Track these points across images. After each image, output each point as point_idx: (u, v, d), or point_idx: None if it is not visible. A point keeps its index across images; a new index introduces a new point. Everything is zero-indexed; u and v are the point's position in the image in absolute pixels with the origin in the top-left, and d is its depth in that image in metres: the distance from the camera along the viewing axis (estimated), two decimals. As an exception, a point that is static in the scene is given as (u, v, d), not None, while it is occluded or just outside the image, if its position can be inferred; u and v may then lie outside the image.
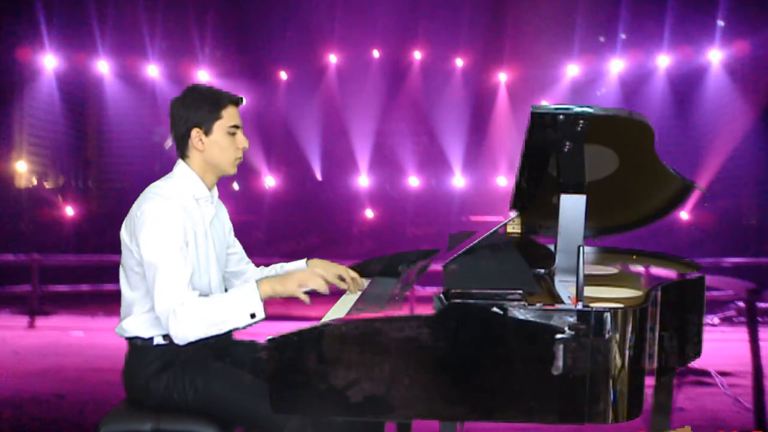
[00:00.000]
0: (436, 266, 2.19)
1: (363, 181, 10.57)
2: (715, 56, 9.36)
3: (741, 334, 4.34)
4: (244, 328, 1.97)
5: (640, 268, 2.81)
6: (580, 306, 1.72)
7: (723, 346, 5.33)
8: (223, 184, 2.24)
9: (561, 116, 1.94)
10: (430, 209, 10.22)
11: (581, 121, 1.96)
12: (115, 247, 2.11)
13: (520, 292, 1.75)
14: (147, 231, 1.98)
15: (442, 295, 1.82)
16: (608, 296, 2.03)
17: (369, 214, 10.25)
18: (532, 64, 10.18)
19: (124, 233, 2.08)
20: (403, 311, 2.04)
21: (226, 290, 2.30)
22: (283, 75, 10.85)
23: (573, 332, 1.70)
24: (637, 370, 1.77)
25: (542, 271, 2.26)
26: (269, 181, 10.67)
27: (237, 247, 2.42)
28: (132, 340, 2.10)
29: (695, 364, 2.60)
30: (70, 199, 10.33)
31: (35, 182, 10.54)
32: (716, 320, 6.90)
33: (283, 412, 1.78)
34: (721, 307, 7.07)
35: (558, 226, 2.09)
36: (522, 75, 10.48)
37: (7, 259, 7.50)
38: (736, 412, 3.98)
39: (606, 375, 1.71)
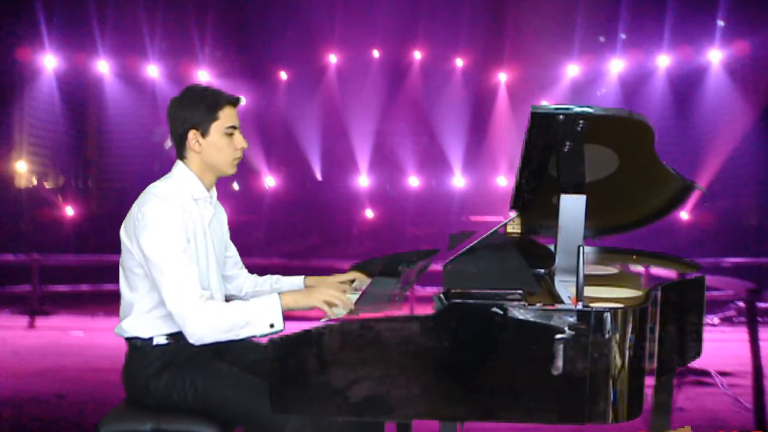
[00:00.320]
0: (436, 266, 2.19)
1: (363, 181, 10.56)
2: (715, 56, 9.35)
3: (741, 334, 4.34)
4: (260, 337, 1.98)
5: (640, 268, 2.81)
6: (580, 306, 1.72)
7: (723, 346, 5.33)
8: (222, 184, 2.24)
9: (561, 116, 1.94)
10: (430, 209, 10.22)
11: (581, 121, 1.96)
12: (115, 247, 2.11)
13: (520, 292, 1.76)
14: (149, 233, 1.98)
15: (442, 295, 1.83)
16: (608, 296, 2.03)
17: (369, 214, 10.25)
18: (532, 64, 10.18)
19: (123, 234, 2.07)
20: (403, 311, 2.04)
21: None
22: (283, 75, 10.85)
23: (573, 332, 1.70)
24: (637, 370, 1.77)
25: (542, 271, 2.27)
26: (269, 181, 10.67)
27: (233, 251, 2.42)
28: (131, 341, 2.10)
29: (695, 364, 2.60)
30: (70, 199, 10.32)
31: (35, 182, 10.54)
32: (716, 320, 6.90)
33: (283, 412, 1.78)
34: (721, 307, 7.07)
35: (558, 226, 2.09)
36: (522, 75, 10.48)
37: (7, 259, 7.50)
38: (736, 412, 3.98)
39: (606, 375, 1.71)
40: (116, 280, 2.13)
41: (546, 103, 9.18)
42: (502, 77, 10.67)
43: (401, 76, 10.76)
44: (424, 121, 10.71)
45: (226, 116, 2.11)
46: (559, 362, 1.70)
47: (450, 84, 10.67)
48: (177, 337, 2.05)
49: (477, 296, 1.74)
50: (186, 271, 1.96)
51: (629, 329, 1.74)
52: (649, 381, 1.90)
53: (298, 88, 10.64)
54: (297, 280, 2.47)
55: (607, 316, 1.71)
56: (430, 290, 6.17)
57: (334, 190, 10.60)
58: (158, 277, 1.98)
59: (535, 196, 2.46)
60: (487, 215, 9.19)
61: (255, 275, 2.50)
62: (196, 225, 2.10)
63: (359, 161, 10.54)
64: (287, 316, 2.01)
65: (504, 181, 10.26)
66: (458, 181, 10.52)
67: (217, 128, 2.10)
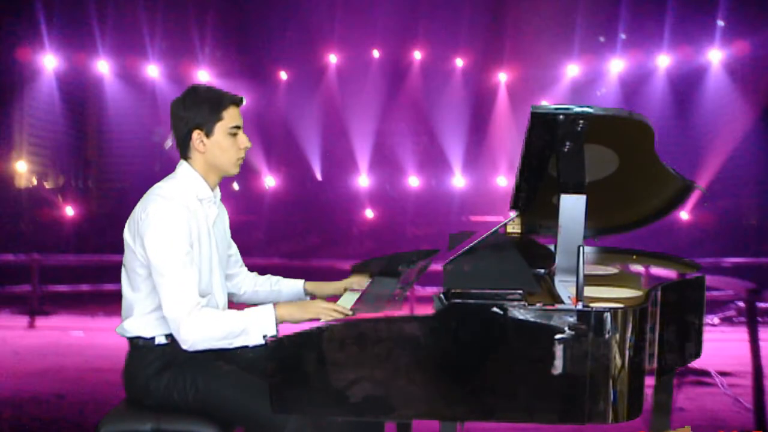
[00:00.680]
0: (436, 266, 2.19)
1: (363, 181, 10.56)
2: (715, 56, 9.35)
3: (741, 334, 4.34)
4: (253, 347, 1.98)
5: (640, 268, 2.81)
6: (580, 306, 1.72)
7: (723, 346, 5.33)
8: (223, 184, 2.24)
9: (561, 116, 1.94)
10: (430, 209, 10.22)
11: (581, 121, 1.96)
12: (115, 247, 2.11)
13: (520, 292, 1.76)
14: (152, 234, 1.98)
15: (442, 295, 1.83)
16: (608, 296, 2.03)
17: (369, 214, 10.25)
18: (532, 64, 10.17)
19: (127, 234, 2.07)
20: (403, 311, 2.04)
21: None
22: (283, 75, 10.84)
23: (573, 332, 1.70)
24: (637, 370, 1.77)
25: (542, 271, 2.27)
26: (269, 181, 10.67)
27: (233, 249, 2.43)
28: (133, 340, 2.10)
29: (695, 364, 2.60)
30: (70, 199, 10.32)
31: (35, 182, 10.54)
32: (716, 320, 6.90)
33: (283, 412, 1.78)
34: (721, 307, 7.07)
35: (558, 226, 2.09)
36: (522, 75, 10.48)
37: (7, 259, 7.50)
38: (736, 412, 3.98)
39: (606, 375, 1.71)
40: (116, 280, 2.13)
41: (546, 103, 9.18)
42: (502, 77, 10.67)
43: (401, 76, 10.76)
44: (424, 121, 10.71)
45: (230, 116, 2.11)
46: (559, 362, 1.70)
47: (450, 84, 10.67)
48: (177, 338, 2.05)
49: (477, 296, 1.74)
50: (186, 276, 1.97)
51: (629, 329, 1.74)
52: (649, 381, 1.90)
53: (298, 88, 10.64)
54: (297, 284, 2.47)
55: (607, 316, 1.71)
56: (430, 290, 6.17)
57: (334, 190, 10.60)
58: (158, 280, 1.98)
59: (535, 196, 2.46)
60: (487, 215, 9.19)
61: (255, 273, 2.50)
62: (200, 225, 2.10)
63: (359, 161, 10.54)
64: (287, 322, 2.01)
65: (504, 181, 10.26)
66: (458, 181, 10.52)
67: (221, 128, 2.10)
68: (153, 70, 10.17)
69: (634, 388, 1.76)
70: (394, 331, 1.72)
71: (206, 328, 1.94)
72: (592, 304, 1.74)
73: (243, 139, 2.14)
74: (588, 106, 1.95)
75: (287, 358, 1.74)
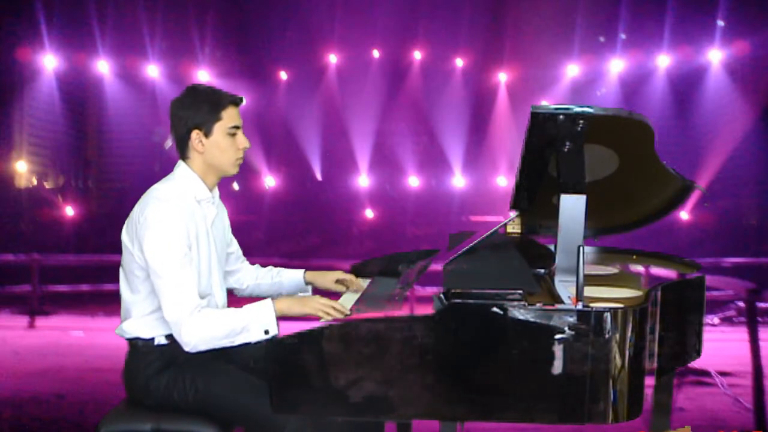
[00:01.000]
0: (436, 266, 2.19)
1: (363, 181, 10.56)
2: (715, 56, 9.35)
3: (741, 334, 4.34)
4: (256, 343, 1.98)
5: (640, 268, 2.81)
6: (580, 306, 1.72)
7: (723, 346, 5.33)
8: (223, 184, 2.23)
9: (561, 116, 1.95)
10: (430, 209, 10.22)
11: (581, 121, 1.96)
12: (115, 247, 2.11)
13: (520, 292, 1.76)
14: (151, 237, 1.98)
15: (442, 295, 1.83)
16: (608, 296, 2.03)
17: (369, 214, 10.25)
18: (532, 64, 10.18)
19: (125, 236, 2.07)
20: (403, 311, 2.04)
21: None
22: (283, 75, 10.85)
23: (573, 332, 1.70)
24: (637, 370, 1.77)
25: (542, 271, 2.26)
26: (269, 181, 10.67)
27: (234, 246, 2.42)
28: (133, 341, 2.10)
29: (695, 364, 2.60)
30: (70, 199, 10.32)
31: (35, 182, 10.54)
32: (716, 320, 6.90)
33: (283, 412, 1.78)
34: (721, 307, 7.07)
35: (558, 226, 2.09)
36: (522, 75, 10.48)
37: (7, 259, 7.50)
38: (736, 412, 3.98)
39: (606, 375, 1.71)
40: (116, 280, 2.13)
41: (546, 103, 9.18)
42: (502, 77, 10.67)
43: (401, 76, 10.76)
44: (424, 121, 10.72)
45: (229, 116, 2.11)
46: (559, 362, 1.70)
47: (450, 84, 10.67)
48: (177, 338, 2.05)
49: (477, 296, 1.74)
50: (185, 278, 1.96)
51: (629, 329, 1.74)
52: (649, 381, 1.90)
53: (298, 88, 10.64)
54: (297, 274, 2.47)
55: (607, 316, 1.71)
56: (430, 290, 6.17)
57: (334, 190, 10.60)
58: (157, 283, 1.98)
59: (535, 197, 2.46)
60: (487, 215, 9.19)
61: (256, 266, 2.50)
62: (198, 226, 2.10)
63: (359, 161, 10.54)
64: (287, 317, 2.01)
65: (504, 181, 10.26)
66: (458, 181, 10.52)
67: (220, 128, 2.09)
68: (153, 70, 10.17)
69: (634, 388, 1.76)
70: (394, 330, 1.72)
71: (207, 329, 1.94)
72: (592, 304, 1.74)
73: (242, 140, 2.13)
74: (588, 106, 1.95)
75: (287, 358, 1.74)
